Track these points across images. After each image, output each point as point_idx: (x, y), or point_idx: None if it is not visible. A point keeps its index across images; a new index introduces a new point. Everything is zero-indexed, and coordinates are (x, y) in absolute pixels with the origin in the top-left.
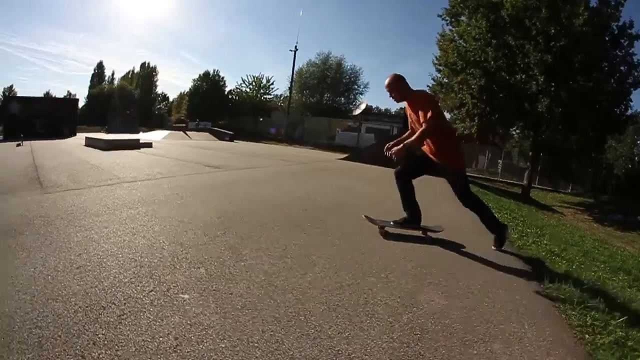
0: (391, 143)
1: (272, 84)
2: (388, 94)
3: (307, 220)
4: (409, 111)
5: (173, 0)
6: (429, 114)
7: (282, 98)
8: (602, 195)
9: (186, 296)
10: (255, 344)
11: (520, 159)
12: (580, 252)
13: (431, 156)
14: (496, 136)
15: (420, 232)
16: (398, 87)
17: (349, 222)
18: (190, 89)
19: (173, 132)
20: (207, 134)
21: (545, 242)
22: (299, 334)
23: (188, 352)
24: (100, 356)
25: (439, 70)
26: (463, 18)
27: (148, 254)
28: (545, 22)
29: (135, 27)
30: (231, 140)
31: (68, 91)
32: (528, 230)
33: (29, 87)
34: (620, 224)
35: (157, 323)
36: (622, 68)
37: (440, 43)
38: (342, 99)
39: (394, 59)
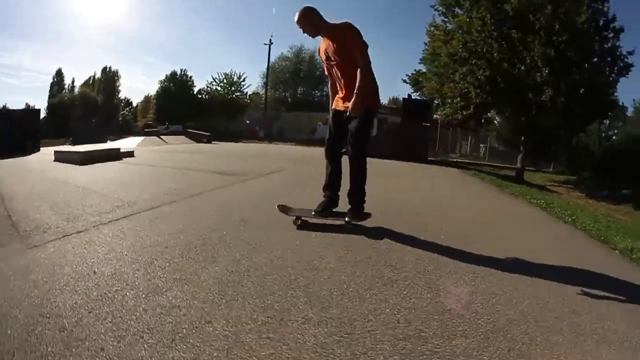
0: (337, 106)
1: (244, 80)
2: (301, 30)
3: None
4: (326, 49)
5: (128, 1)
6: (363, 48)
7: (254, 95)
8: (582, 173)
9: None
10: None
11: (499, 142)
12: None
13: (345, 105)
14: (475, 122)
15: (343, 220)
16: (311, 20)
17: None
18: (157, 91)
19: (147, 137)
20: (182, 137)
21: None
22: None
23: None
24: None
25: (426, 61)
26: (457, 10)
27: None
28: (549, 18)
29: (94, 32)
30: (209, 142)
31: (27, 103)
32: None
33: None
34: (609, 198)
35: None
36: (608, 59)
37: (435, 33)
38: (317, 91)
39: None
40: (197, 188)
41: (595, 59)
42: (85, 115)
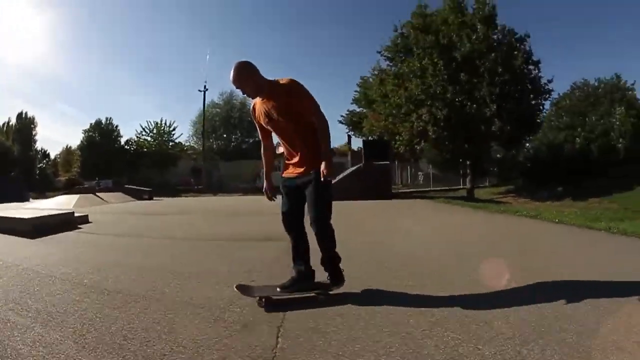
0: (287, 174)
1: (174, 129)
2: (240, 90)
3: None
4: (267, 111)
5: (43, 43)
6: (317, 105)
7: (187, 146)
8: (516, 181)
9: None
10: None
11: (437, 169)
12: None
13: (297, 172)
14: (410, 153)
15: (314, 292)
16: (252, 77)
17: None
18: (81, 142)
19: (82, 195)
20: (120, 194)
21: None
22: None
23: None
24: None
25: (359, 102)
26: (402, 56)
27: None
28: (493, 63)
29: (6, 73)
30: (150, 198)
31: None
32: None
33: None
34: (550, 197)
35: None
36: (530, 86)
37: (383, 77)
38: (251, 139)
39: None
40: (221, 269)
41: (526, 89)
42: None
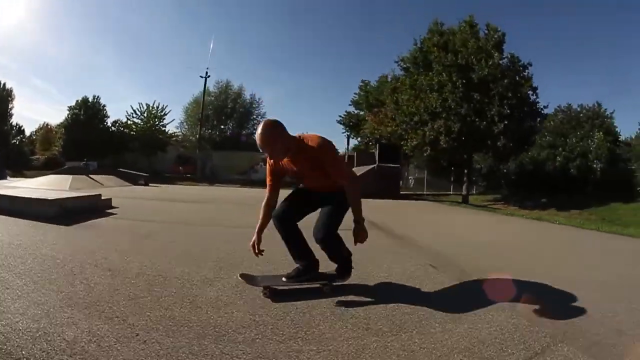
0: (310, 188)
1: (166, 113)
2: (265, 152)
3: None
4: (293, 166)
5: (18, 13)
6: (342, 168)
7: (175, 132)
8: (502, 191)
9: None
10: None
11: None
12: None
13: (319, 190)
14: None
15: (319, 283)
16: (281, 140)
17: None
18: (66, 120)
19: (75, 177)
20: (112, 177)
21: None
22: None
23: None
24: None
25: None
26: (420, 70)
27: None
28: (505, 88)
29: None
30: (146, 184)
31: None
32: None
33: None
34: (536, 207)
35: None
36: (527, 109)
37: (398, 86)
38: (244, 130)
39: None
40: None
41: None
42: None
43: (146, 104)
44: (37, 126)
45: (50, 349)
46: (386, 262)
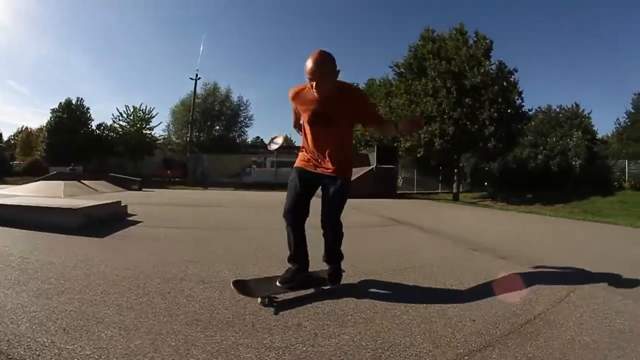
0: (309, 168)
1: (153, 116)
2: (314, 81)
3: None
4: (318, 106)
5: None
6: (376, 110)
7: (161, 135)
8: (487, 188)
9: None
10: None
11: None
12: None
13: (322, 169)
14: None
15: (311, 286)
16: (333, 73)
17: None
18: (49, 123)
19: (68, 182)
20: (103, 182)
21: None
22: None
23: None
24: None
25: None
26: (415, 75)
27: None
28: (496, 94)
29: None
30: (140, 188)
31: None
32: None
33: None
34: (522, 202)
35: None
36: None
37: (392, 90)
38: (232, 133)
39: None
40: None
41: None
42: None
43: (133, 107)
44: (14, 130)
45: None
46: (438, 249)
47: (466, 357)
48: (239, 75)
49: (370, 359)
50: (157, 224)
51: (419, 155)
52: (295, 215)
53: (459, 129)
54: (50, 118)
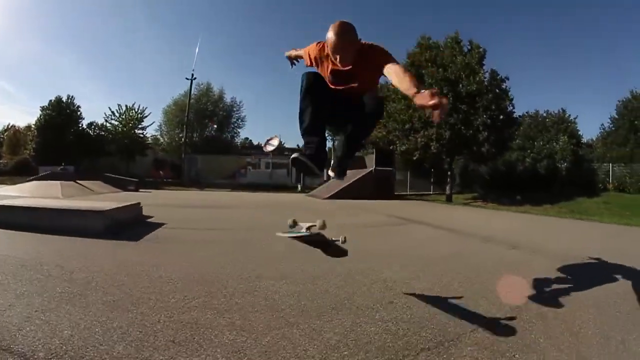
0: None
1: (146, 116)
2: (337, 54)
3: None
4: (342, 68)
5: None
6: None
7: (156, 136)
8: (478, 190)
9: None
10: None
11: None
12: None
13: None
14: None
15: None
16: (355, 42)
17: None
18: (38, 121)
19: (65, 183)
20: (100, 182)
21: None
22: None
23: None
24: None
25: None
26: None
27: None
28: (490, 102)
29: None
30: (137, 189)
31: None
32: None
33: None
34: (512, 203)
35: None
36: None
37: (391, 96)
38: (226, 134)
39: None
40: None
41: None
42: None
43: (125, 105)
44: (0, 128)
45: None
46: (455, 241)
47: None
48: (228, 76)
49: None
50: (182, 225)
51: (414, 158)
52: (317, 123)
53: (455, 133)
54: (40, 116)
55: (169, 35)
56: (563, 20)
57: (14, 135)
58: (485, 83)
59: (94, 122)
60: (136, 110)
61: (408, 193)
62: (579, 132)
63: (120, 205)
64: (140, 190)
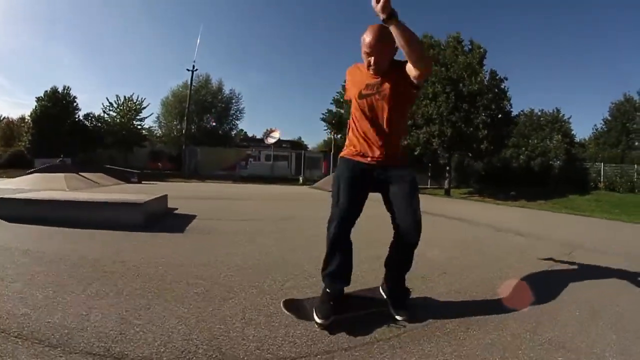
0: (364, 159)
1: (145, 107)
2: (371, 57)
3: None
4: (379, 83)
5: None
6: None
7: (154, 128)
8: (473, 185)
9: None
10: None
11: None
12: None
13: (378, 154)
14: None
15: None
16: (392, 47)
17: None
18: (34, 112)
19: (68, 175)
20: (102, 174)
21: None
22: None
23: None
24: None
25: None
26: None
27: None
28: (490, 101)
29: None
30: (139, 181)
31: None
32: None
33: None
34: (507, 198)
35: None
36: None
37: None
38: (224, 125)
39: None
40: None
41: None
42: None
43: (124, 96)
44: None
45: None
46: (469, 230)
47: None
48: (230, 67)
49: None
50: (213, 217)
51: (415, 154)
52: (341, 238)
53: (456, 131)
54: (36, 107)
55: (166, 26)
56: (563, 20)
57: (8, 127)
58: (486, 83)
59: (91, 113)
60: (134, 101)
61: None
62: (572, 132)
63: (151, 198)
64: (143, 182)
